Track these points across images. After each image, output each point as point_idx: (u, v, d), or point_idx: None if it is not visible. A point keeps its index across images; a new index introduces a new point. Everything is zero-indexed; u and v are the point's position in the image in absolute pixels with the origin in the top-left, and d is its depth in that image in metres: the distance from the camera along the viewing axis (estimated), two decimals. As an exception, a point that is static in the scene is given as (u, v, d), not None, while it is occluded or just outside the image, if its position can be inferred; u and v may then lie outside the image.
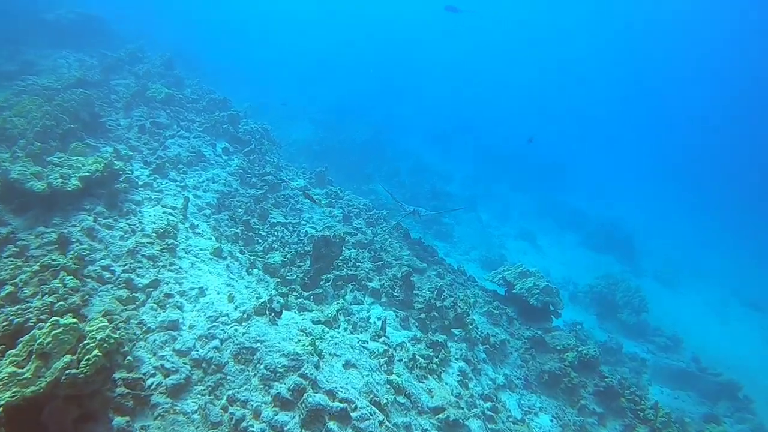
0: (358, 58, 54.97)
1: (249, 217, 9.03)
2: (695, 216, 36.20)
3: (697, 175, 48.71)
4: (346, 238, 9.89)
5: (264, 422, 4.41)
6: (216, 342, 5.15)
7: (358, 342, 6.13)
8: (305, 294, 7.14)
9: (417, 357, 6.41)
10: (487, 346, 8.03)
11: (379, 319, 7.22)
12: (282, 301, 6.12)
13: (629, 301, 17.77)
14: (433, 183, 27.18)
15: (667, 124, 66.28)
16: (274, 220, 9.56)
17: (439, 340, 7.03)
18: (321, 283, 7.69)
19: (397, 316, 7.59)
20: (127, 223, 6.85)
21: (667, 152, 55.14)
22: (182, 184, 8.85)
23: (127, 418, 4.09)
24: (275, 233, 9.10)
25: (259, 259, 7.81)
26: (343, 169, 23.25)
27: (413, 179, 27.36)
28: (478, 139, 40.61)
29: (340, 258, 8.56)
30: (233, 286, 6.52)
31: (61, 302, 4.75)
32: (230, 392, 4.65)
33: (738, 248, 30.16)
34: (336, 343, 5.79)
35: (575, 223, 28.06)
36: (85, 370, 3.84)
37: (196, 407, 4.45)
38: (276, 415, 4.47)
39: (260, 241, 8.59)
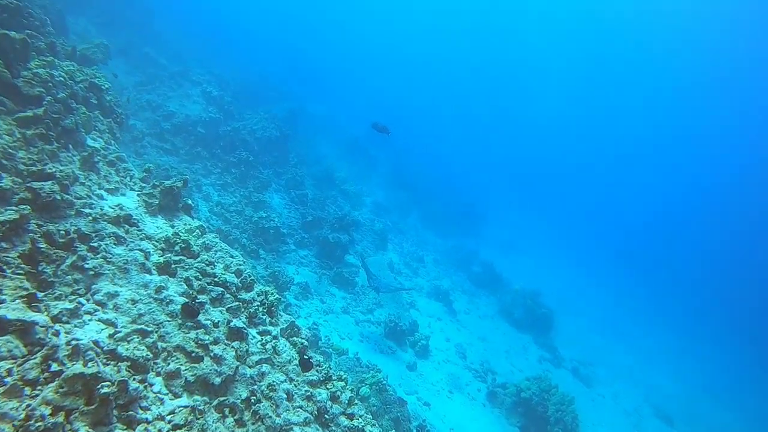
0: (280, 28, 48.43)
1: None
2: (608, 295, 35.13)
3: (616, 251, 48.60)
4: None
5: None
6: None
7: None
8: None
9: None
10: None
11: None
12: None
13: (561, 418, 14.10)
14: (341, 206, 22.17)
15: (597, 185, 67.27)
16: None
17: None
18: None
19: None
20: None
21: (588, 218, 55.10)
22: None
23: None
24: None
25: None
26: (232, 167, 17.36)
27: (318, 194, 22.01)
28: (396, 155, 36.22)
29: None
30: None
31: None
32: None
33: (651, 340, 29.14)
34: None
35: (491, 284, 24.65)
36: None
37: None
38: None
39: None
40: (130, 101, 15.68)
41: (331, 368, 5.74)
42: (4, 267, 4.32)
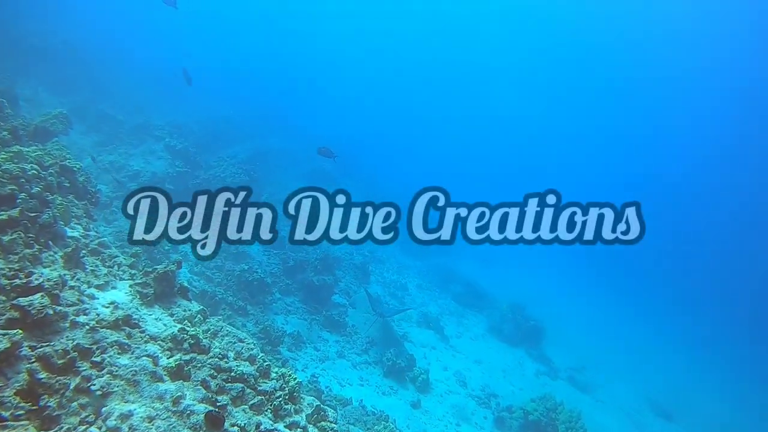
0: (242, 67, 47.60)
1: None
2: (594, 296, 35.52)
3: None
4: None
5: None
6: None
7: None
8: None
9: None
10: None
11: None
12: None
13: (572, 437, 14.05)
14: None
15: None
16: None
17: None
18: None
19: None
20: None
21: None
22: None
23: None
24: None
25: None
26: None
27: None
28: (364, 183, 35.91)
29: None
30: None
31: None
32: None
33: (643, 335, 29.78)
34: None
35: (476, 302, 24.57)
36: None
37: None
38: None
39: None
40: (95, 161, 15.09)
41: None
42: (2, 412, 3.82)
